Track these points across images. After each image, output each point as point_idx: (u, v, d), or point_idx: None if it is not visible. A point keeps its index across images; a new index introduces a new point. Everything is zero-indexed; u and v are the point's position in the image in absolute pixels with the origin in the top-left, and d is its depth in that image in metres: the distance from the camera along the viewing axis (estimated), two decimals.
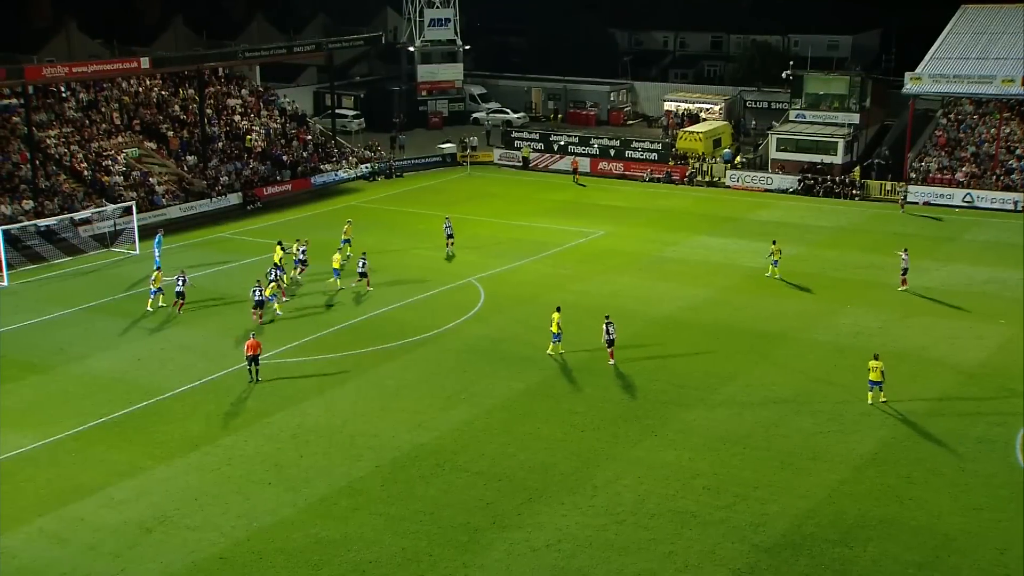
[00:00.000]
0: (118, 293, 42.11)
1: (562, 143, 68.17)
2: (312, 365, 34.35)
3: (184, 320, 38.49)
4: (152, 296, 38.95)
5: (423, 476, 26.71)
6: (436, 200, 58.61)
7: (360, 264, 41.08)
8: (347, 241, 45.68)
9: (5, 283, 43.19)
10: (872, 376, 30.59)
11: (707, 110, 78.92)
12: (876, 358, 30.85)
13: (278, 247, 41.71)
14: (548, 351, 34.56)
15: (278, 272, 39.40)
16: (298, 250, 42.14)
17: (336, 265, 41.07)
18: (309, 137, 66.62)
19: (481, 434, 29.14)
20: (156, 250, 43.74)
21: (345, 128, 78.22)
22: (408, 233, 50.55)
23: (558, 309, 34.93)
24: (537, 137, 69.60)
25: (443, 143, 71.08)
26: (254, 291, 37.27)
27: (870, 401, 30.73)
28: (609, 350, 33.36)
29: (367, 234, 48.25)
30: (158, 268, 41.34)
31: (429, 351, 35.30)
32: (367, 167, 66.05)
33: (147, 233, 48.90)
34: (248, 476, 26.83)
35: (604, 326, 33.38)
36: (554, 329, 34.28)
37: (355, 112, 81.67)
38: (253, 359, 32.79)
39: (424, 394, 31.65)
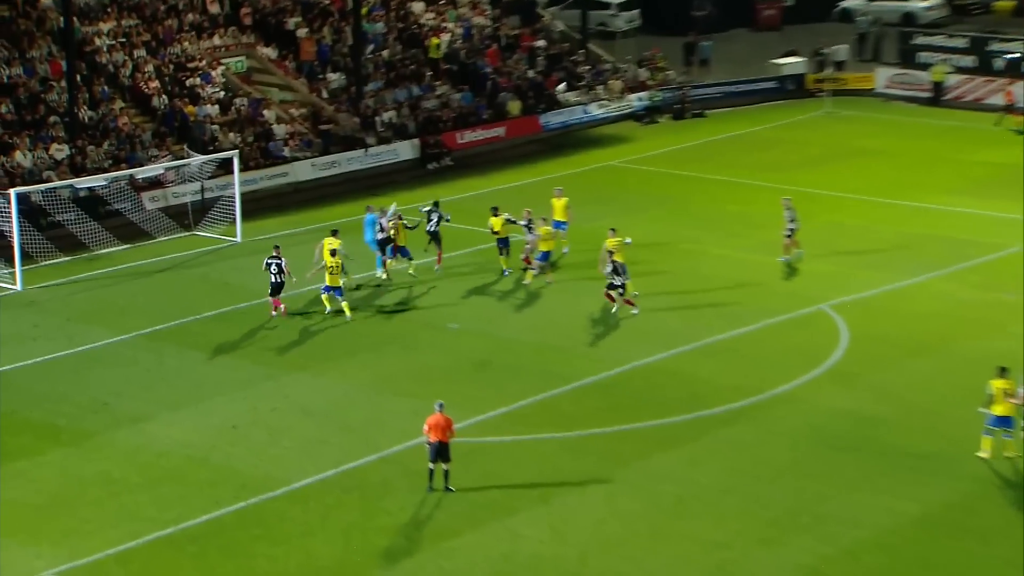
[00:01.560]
0: (204, 310, 39.16)
1: (1013, 57, 62.05)
2: (529, 449, 30.68)
3: (312, 357, 35.99)
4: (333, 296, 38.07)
5: None
6: (763, 161, 54.77)
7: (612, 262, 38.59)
8: (560, 225, 42.61)
9: (18, 286, 40.85)
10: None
11: None
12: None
13: (498, 218, 41.15)
14: (980, 452, 30.00)
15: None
16: (527, 222, 41.12)
17: (545, 246, 40.18)
18: (540, 44, 62.60)
19: None
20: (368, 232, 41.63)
21: (605, 28, 71.53)
22: (710, 219, 47.31)
23: (1002, 373, 29.92)
24: (962, 45, 63.63)
25: (781, 57, 66.46)
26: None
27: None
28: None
29: (628, 219, 45.07)
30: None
31: (741, 435, 31.44)
32: (641, 99, 61.52)
33: (257, 207, 47.40)
34: None
35: None
36: (998, 410, 29.80)
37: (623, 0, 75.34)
38: (441, 450, 28.50)
39: (729, 514, 27.71)
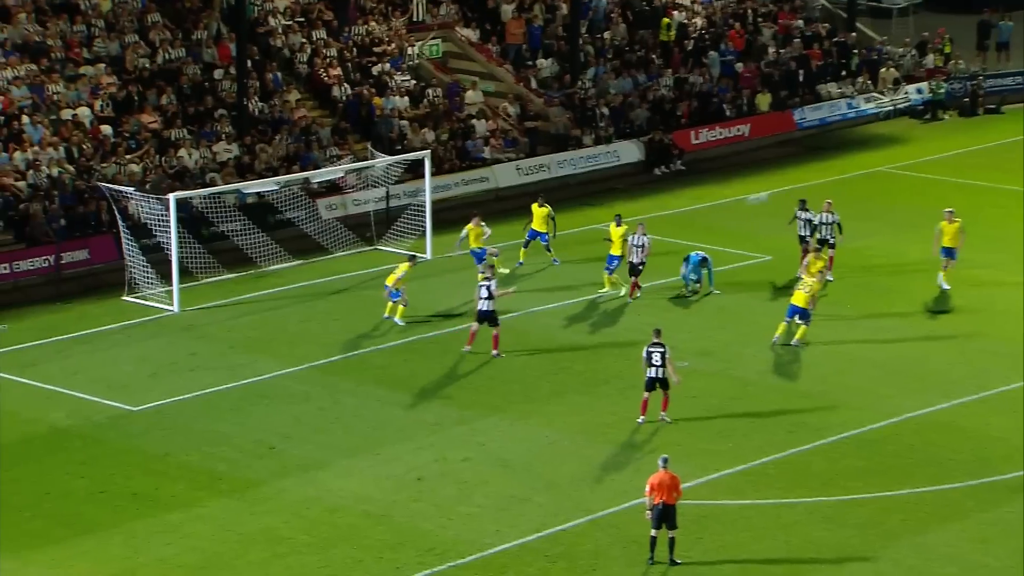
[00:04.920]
0: (387, 340, 39.40)
1: None
2: (772, 516, 29.96)
3: (512, 398, 35.96)
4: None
5: None
6: None
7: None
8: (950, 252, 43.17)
9: (175, 308, 41.58)
10: None
11: None
12: None
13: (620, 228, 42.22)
14: None
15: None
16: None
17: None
18: (798, 22, 62.62)
19: None
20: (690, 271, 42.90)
21: (879, 3, 71.42)
22: (1006, 240, 46.46)
23: None
24: None
25: None
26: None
27: None
28: None
29: (900, 237, 46.19)
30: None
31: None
32: (920, 91, 61.24)
33: (451, 217, 47.21)
34: None
35: None
36: None
37: None
38: (665, 514, 28.28)
39: None
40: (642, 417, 34.21)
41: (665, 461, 28.41)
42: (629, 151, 54.38)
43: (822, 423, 34.05)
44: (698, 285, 41.33)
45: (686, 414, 33.87)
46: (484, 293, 37.25)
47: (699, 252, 42.39)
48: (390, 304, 39.26)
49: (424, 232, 45.63)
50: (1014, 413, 34.43)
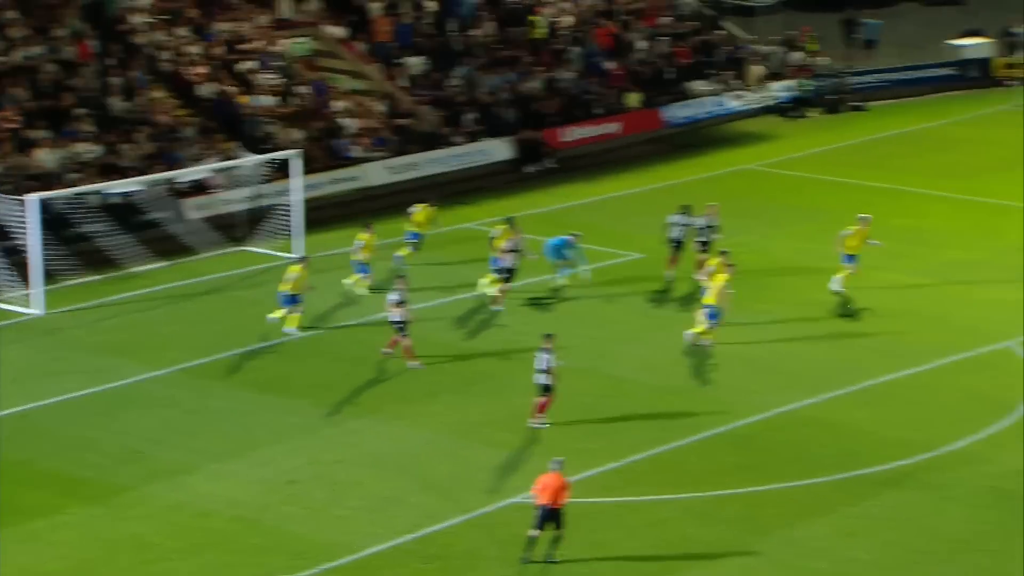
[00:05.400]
0: (257, 341, 39.39)
1: None
2: (646, 514, 30.26)
3: (385, 399, 36.02)
4: None
5: None
6: (938, 165, 55.39)
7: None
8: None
9: (38, 310, 41.03)
10: None
11: None
12: None
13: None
14: None
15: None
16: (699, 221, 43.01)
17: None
18: (665, 20, 64.01)
19: None
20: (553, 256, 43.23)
21: (745, 2, 73.16)
22: (871, 236, 45.79)
23: None
24: None
25: (962, 37, 67.22)
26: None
27: None
28: None
29: (768, 234, 46.80)
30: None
31: (907, 501, 31.06)
32: (786, 89, 62.29)
33: (320, 216, 47.61)
34: None
35: None
36: None
37: None
38: (550, 516, 28.56)
39: None
40: (541, 420, 34.76)
41: (558, 464, 28.73)
42: (499, 149, 54.75)
43: (695, 420, 34.45)
44: (568, 271, 41.61)
45: (560, 412, 34.10)
46: (394, 300, 37.15)
47: (561, 236, 42.70)
48: (282, 312, 39.04)
49: (294, 231, 45.61)
50: (880, 407, 35.19)
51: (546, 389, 33.96)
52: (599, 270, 43.72)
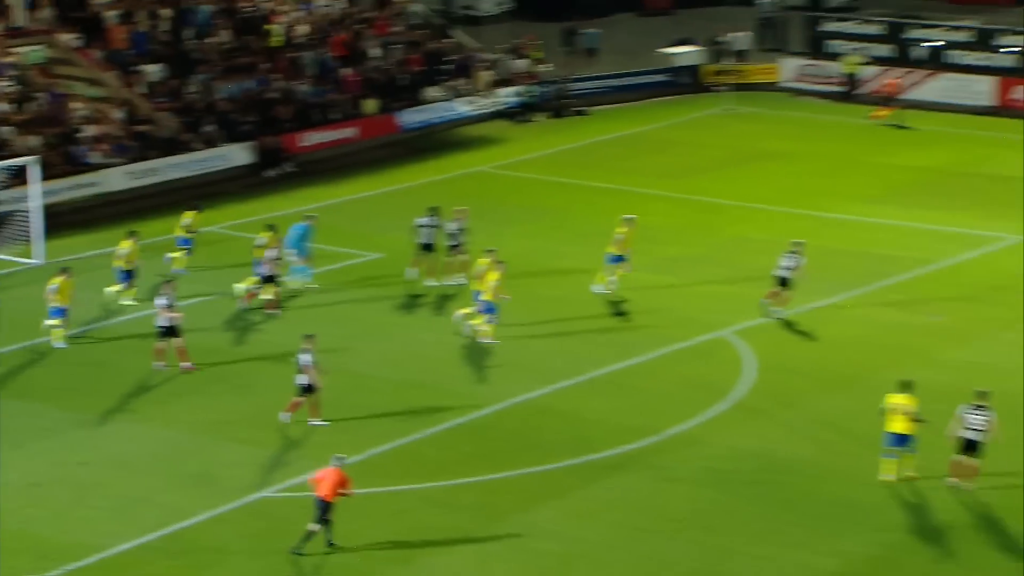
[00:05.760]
0: (2, 345, 39.08)
1: (933, 45, 65.46)
2: (387, 504, 31.07)
3: (131, 401, 35.70)
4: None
5: None
6: (655, 166, 56.94)
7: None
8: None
9: None
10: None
11: None
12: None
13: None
14: (882, 474, 31.99)
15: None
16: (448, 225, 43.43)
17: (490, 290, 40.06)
18: (397, 29, 64.92)
19: None
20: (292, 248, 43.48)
21: (472, 12, 75.38)
22: (594, 234, 47.30)
23: (905, 388, 32.21)
24: (878, 32, 67.74)
25: (673, 46, 69.49)
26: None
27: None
28: (966, 463, 31.39)
29: (499, 233, 46.59)
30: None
31: (633, 483, 32.30)
32: (513, 94, 63.70)
33: (60, 223, 47.16)
34: None
35: (965, 411, 31.35)
36: (897, 427, 31.91)
37: None
38: (327, 507, 29.13)
39: (624, 574, 28.42)
40: (317, 419, 34.81)
41: (339, 460, 29.13)
42: (238, 154, 54.90)
43: (433, 412, 35.03)
44: (299, 273, 41.77)
45: (303, 409, 34.36)
46: (162, 304, 37.01)
47: (301, 224, 42.85)
48: (49, 323, 38.48)
49: (34, 237, 44.97)
50: (608, 396, 36.23)
51: (307, 389, 34.17)
52: (340, 270, 44.11)
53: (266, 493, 30.42)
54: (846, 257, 44.10)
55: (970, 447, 31.18)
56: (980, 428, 30.98)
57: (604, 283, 41.95)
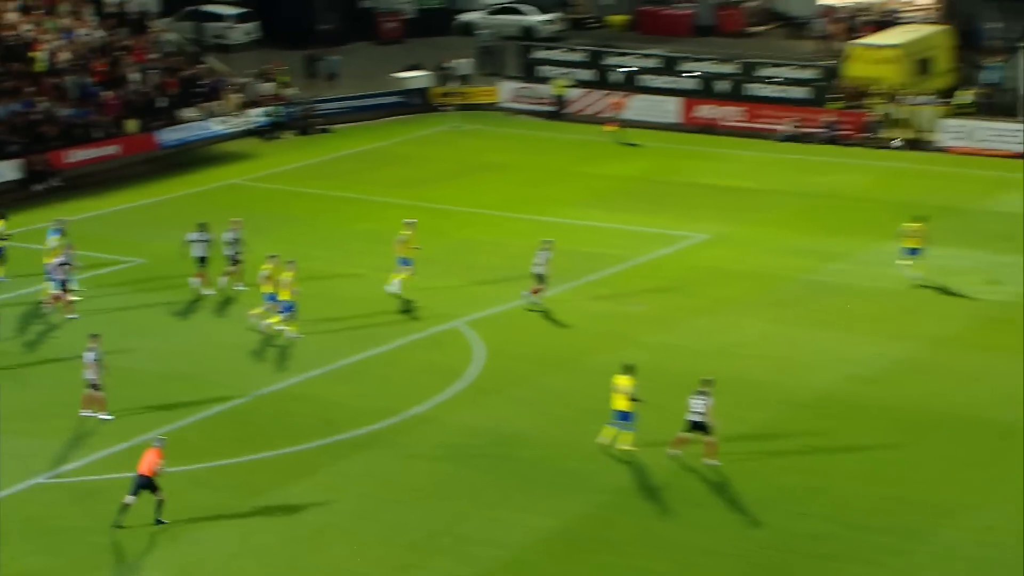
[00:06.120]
0: None
1: (628, 70, 68.89)
2: (160, 484, 30.89)
3: None
4: None
5: None
6: (391, 177, 58.85)
7: None
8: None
9: None
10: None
11: (906, 4, 76.78)
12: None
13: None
14: (601, 437, 33.81)
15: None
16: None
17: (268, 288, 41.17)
18: (154, 56, 65.33)
19: None
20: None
21: (222, 41, 77.17)
22: (339, 238, 50.30)
23: (628, 371, 34.16)
24: (581, 59, 70.78)
25: (406, 70, 72.50)
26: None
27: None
28: (707, 439, 33.08)
29: (252, 240, 46.12)
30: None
31: (378, 459, 33.81)
32: (263, 114, 65.67)
33: None
34: None
35: (694, 397, 33.09)
36: (621, 405, 33.75)
37: (240, 10, 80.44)
38: (143, 484, 29.93)
39: (369, 541, 30.04)
40: (98, 413, 35.02)
41: (160, 442, 30.27)
42: (7, 170, 55.64)
43: (196, 402, 35.93)
44: (56, 279, 41.55)
45: (74, 402, 34.93)
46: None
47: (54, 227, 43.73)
48: None
49: None
50: (354, 382, 37.58)
51: (94, 385, 34.66)
52: (106, 275, 44.94)
53: (42, 479, 31.20)
54: (560, 255, 45.08)
55: (697, 427, 32.59)
56: (701, 411, 32.33)
57: (394, 282, 42.96)
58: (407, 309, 42.81)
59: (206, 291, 43.16)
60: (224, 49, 74.87)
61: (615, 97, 65.15)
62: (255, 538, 29.42)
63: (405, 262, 43.18)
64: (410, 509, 30.54)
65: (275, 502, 30.81)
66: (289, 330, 40.13)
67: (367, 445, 33.89)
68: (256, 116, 64.96)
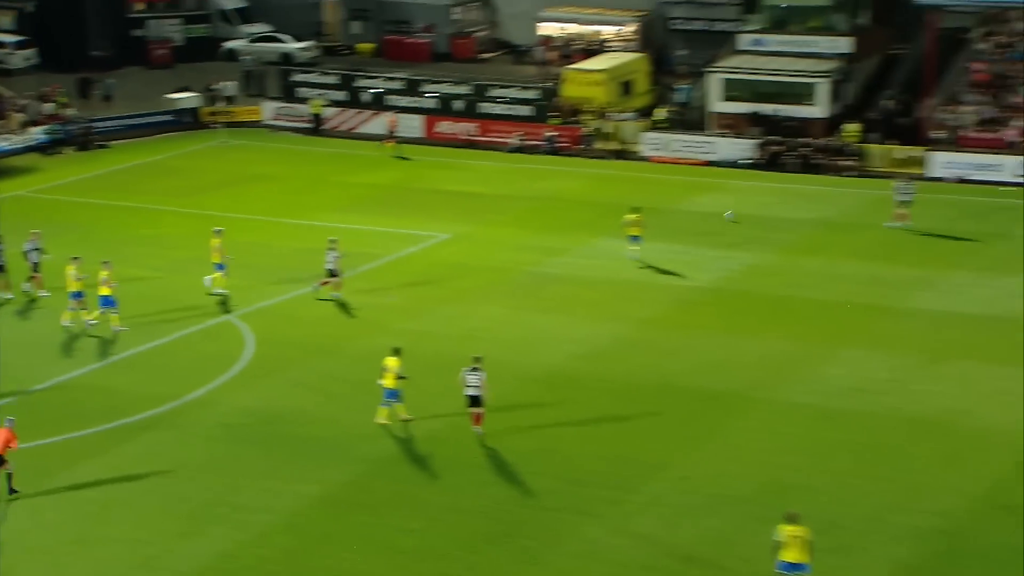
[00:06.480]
0: None
1: (376, 91, 72.38)
2: None
3: None
4: None
5: None
6: (167, 187, 60.24)
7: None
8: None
9: None
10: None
11: (611, 35, 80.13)
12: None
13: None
14: (379, 418, 35.08)
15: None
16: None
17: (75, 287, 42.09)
18: None
19: None
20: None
21: (3, 66, 79.45)
22: (121, 243, 51.03)
23: (396, 353, 35.27)
24: (335, 81, 73.37)
25: (177, 92, 74.24)
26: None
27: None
28: (474, 412, 34.33)
29: (47, 245, 47.11)
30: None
31: (159, 439, 34.62)
32: (43, 132, 67.61)
33: None
34: None
35: (466, 374, 34.19)
36: (388, 383, 34.81)
37: (19, 38, 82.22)
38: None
39: (152, 513, 30.91)
40: None
41: (10, 422, 31.22)
42: None
43: None
44: None
45: None
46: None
47: None
48: None
49: None
50: (136, 371, 38.72)
51: None
52: None
53: None
54: (321, 255, 45.39)
55: (474, 402, 34.12)
56: (476, 385, 33.87)
57: (217, 285, 44.51)
58: (196, 306, 43.96)
59: (5, 295, 44.36)
60: (6, 73, 77.00)
61: (391, 116, 68.02)
62: (45, 515, 30.41)
63: (219, 267, 44.56)
64: (189, 483, 31.89)
65: (65, 482, 31.88)
66: (113, 323, 41.19)
67: (149, 427, 35.13)
68: (37, 134, 66.69)
